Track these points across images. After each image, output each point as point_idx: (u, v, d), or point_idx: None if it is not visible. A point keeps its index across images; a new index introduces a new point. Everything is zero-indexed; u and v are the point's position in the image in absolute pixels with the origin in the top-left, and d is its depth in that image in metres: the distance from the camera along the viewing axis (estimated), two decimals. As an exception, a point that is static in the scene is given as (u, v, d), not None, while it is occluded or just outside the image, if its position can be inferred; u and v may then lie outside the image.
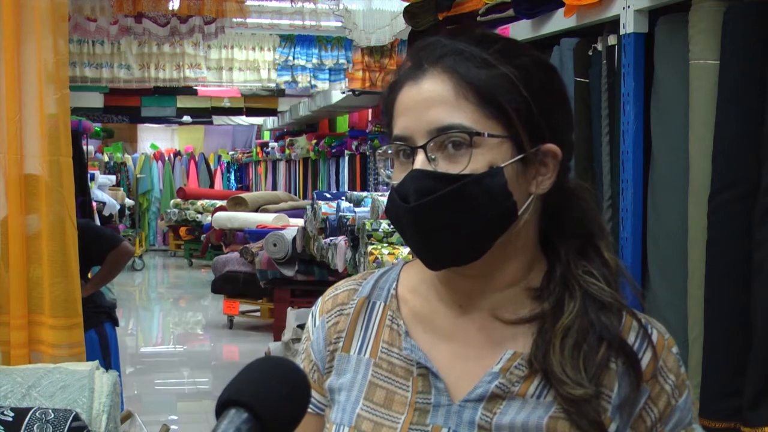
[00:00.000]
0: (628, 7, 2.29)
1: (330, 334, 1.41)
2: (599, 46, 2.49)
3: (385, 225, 5.41)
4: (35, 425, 2.48)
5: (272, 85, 11.99)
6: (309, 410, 1.35)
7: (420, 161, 1.23)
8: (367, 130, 11.15)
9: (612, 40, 2.43)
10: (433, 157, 1.22)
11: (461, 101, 1.23)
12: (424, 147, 1.23)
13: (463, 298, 1.33)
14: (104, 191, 12.60)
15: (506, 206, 1.23)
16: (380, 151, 1.31)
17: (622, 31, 2.33)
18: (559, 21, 2.60)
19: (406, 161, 1.26)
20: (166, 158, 21.21)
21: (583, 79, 2.54)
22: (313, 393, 1.41)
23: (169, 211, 17.83)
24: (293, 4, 8.62)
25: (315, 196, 7.20)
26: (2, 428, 2.46)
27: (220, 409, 1.04)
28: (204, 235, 14.41)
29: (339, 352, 1.39)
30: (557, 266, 1.31)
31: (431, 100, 1.24)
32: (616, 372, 1.26)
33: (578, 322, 1.26)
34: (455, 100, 1.23)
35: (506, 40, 1.32)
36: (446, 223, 1.22)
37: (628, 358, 1.26)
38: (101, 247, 4.99)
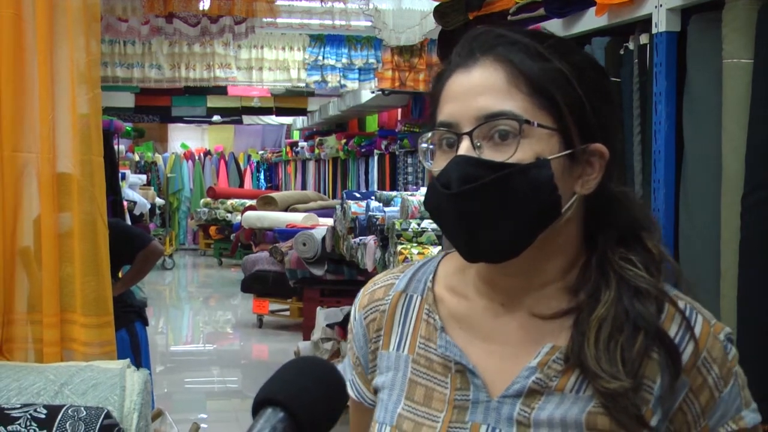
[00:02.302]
0: (660, 5, 2.28)
1: (369, 332, 1.41)
2: (631, 45, 2.48)
3: (414, 224, 5.41)
4: (68, 423, 2.50)
5: (302, 84, 11.99)
6: (367, 405, 1.41)
7: (465, 147, 1.21)
8: (396, 130, 11.15)
9: (644, 39, 2.41)
10: (478, 144, 1.21)
11: (512, 90, 1.21)
12: (470, 133, 1.21)
13: (504, 296, 1.31)
14: (135, 190, 12.69)
15: (550, 200, 1.21)
16: (422, 138, 1.29)
17: (654, 30, 2.31)
18: (590, 20, 2.58)
19: (448, 150, 1.24)
20: (196, 158, 21.32)
21: (614, 79, 2.52)
22: (363, 387, 1.43)
23: (199, 210, 17.93)
24: (323, 3, 8.62)
25: (344, 195, 7.21)
26: (36, 425, 2.48)
27: (257, 408, 1.04)
28: (234, 235, 14.47)
29: (380, 350, 1.40)
30: (594, 256, 1.28)
31: (481, 88, 1.22)
32: (658, 362, 1.22)
33: (613, 311, 1.23)
34: (506, 89, 1.21)
35: (559, 37, 1.31)
36: (488, 213, 1.20)
37: (668, 350, 1.22)
38: (131, 247, 5.03)
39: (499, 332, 1.31)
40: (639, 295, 1.24)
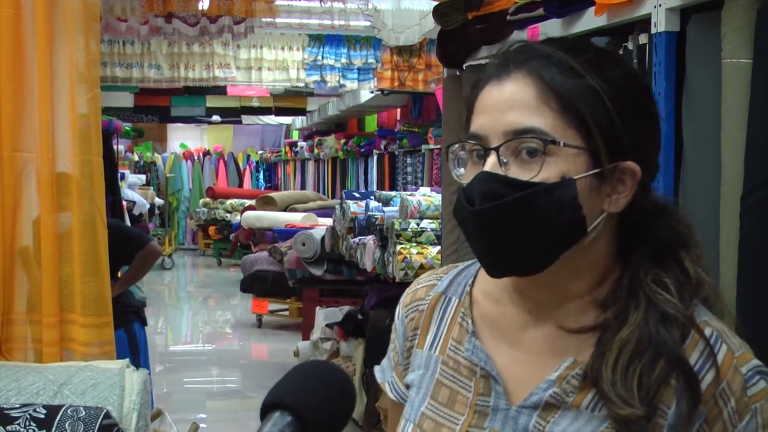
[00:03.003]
0: (660, 5, 2.28)
1: (408, 330, 1.43)
2: (630, 45, 2.48)
3: (413, 224, 5.41)
4: (67, 422, 2.50)
5: (301, 84, 11.99)
6: (393, 396, 1.43)
7: (491, 164, 1.20)
8: (395, 130, 11.15)
9: (643, 38, 2.41)
10: (505, 160, 1.20)
11: (542, 106, 1.20)
12: (497, 149, 1.20)
13: (533, 305, 1.31)
14: (134, 190, 12.69)
15: (574, 219, 1.20)
16: (453, 149, 1.28)
17: (653, 30, 2.31)
18: (590, 20, 2.58)
19: (478, 162, 1.24)
20: (196, 158, 21.31)
21: (613, 79, 2.52)
22: (402, 387, 1.44)
23: (198, 210, 17.93)
24: (322, 3, 8.62)
25: (344, 195, 7.22)
26: (35, 425, 2.48)
27: (265, 411, 1.04)
28: (233, 235, 14.47)
29: (415, 348, 1.41)
30: (626, 274, 1.26)
31: (512, 102, 1.21)
32: (675, 389, 1.20)
33: (637, 334, 1.21)
34: (536, 105, 1.20)
35: (601, 50, 1.29)
36: (510, 231, 1.20)
37: (687, 379, 1.19)
38: (130, 247, 5.03)
39: (526, 340, 1.31)
40: (666, 321, 1.21)
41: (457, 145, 1.28)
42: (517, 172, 1.19)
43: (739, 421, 1.20)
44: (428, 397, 1.34)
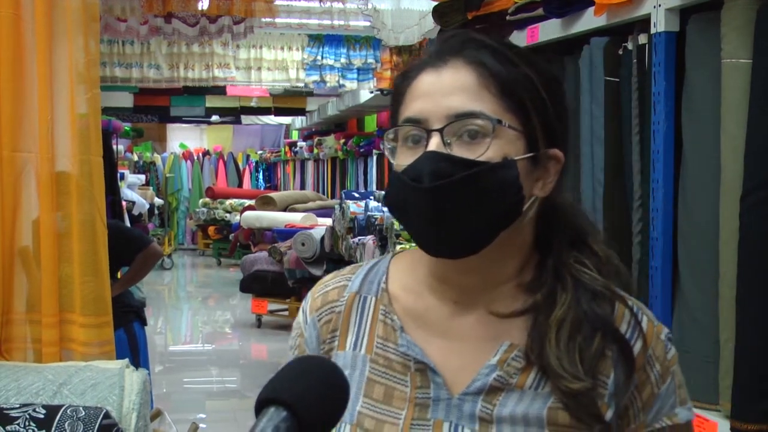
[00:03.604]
0: (659, 5, 2.28)
1: (323, 333, 1.41)
2: (630, 45, 2.48)
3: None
4: (66, 422, 2.50)
5: (300, 84, 11.99)
6: None
7: (435, 144, 1.23)
8: (395, 130, 11.13)
9: (643, 39, 2.41)
10: (448, 141, 1.23)
11: (483, 91, 1.24)
12: (441, 130, 1.23)
13: (458, 294, 1.34)
14: (134, 190, 12.69)
15: (515, 199, 1.25)
16: (389, 134, 1.31)
17: (652, 30, 2.31)
18: (589, 20, 2.58)
19: (414, 146, 1.27)
20: (195, 158, 21.31)
21: (613, 79, 2.52)
22: None
23: (197, 210, 17.92)
24: (322, 3, 8.63)
25: (343, 195, 7.21)
26: (35, 425, 2.48)
27: (259, 407, 1.04)
28: (232, 235, 14.46)
29: (335, 350, 1.40)
30: (549, 258, 1.32)
31: (452, 87, 1.25)
32: (611, 359, 1.28)
33: (571, 313, 1.27)
34: (477, 90, 1.24)
35: (524, 48, 1.35)
36: (457, 209, 1.22)
37: (622, 348, 1.28)
38: (130, 248, 5.02)
39: (456, 330, 1.33)
40: (596, 298, 1.29)
41: (391, 132, 1.30)
42: (461, 153, 1.23)
43: (662, 384, 1.31)
44: (361, 395, 1.34)
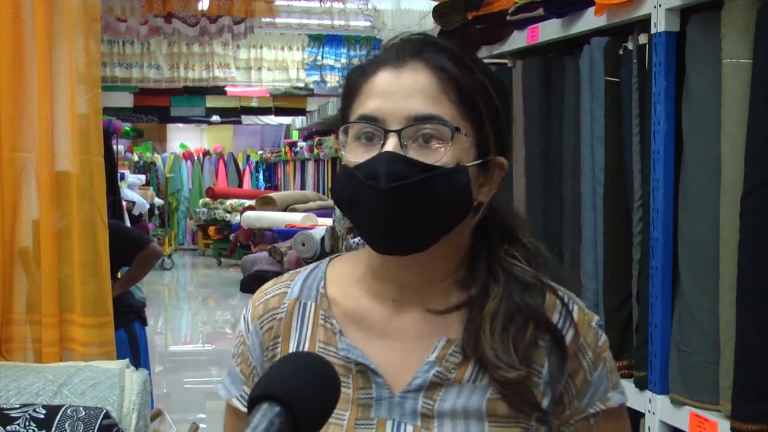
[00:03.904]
0: (660, 5, 2.28)
1: (265, 340, 1.43)
2: (630, 46, 2.47)
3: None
4: (66, 423, 2.50)
5: (301, 84, 12.01)
6: (245, 410, 1.41)
7: (392, 145, 1.25)
8: (395, 130, 11.14)
9: (643, 39, 2.41)
10: (405, 143, 1.25)
11: (442, 96, 1.27)
12: (399, 131, 1.25)
13: (397, 292, 1.36)
14: (134, 191, 12.69)
15: (466, 203, 1.29)
16: (343, 128, 1.33)
17: (653, 30, 2.31)
18: (589, 20, 2.58)
19: (367, 143, 1.28)
20: (195, 158, 21.31)
21: (613, 79, 2.52)
22: None
23: (198, 210, 17.92)
24: (322, 3, 8.63)
25: (343, 195, 7.19)
26: (35, 425, 2.48)
27: (252, 404, 1.04)
28: (233, 235, 14.48)
29: (278, 357, 1.42)
30: (482, 253, 1.37)
31: (413, 90, 1.27)
32: (544, 349, 1.32)
33: (504, 305, 1.31)
34: (437, 94, 1.27)
35: (477, 56, 1.39)
36: (410, 210, 1.25)
37: (554, 337, 1.32)
38: (130, 248, 5.03)
39: (394, 328, 1.36)
40: (527, 289, 1.34)
41: (346, 126, 1.32)
42: (415, 155, 1.25)
43: (594, 370, 1.36)
44: None
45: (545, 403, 1.31)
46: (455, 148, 1.26)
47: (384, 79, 1.29)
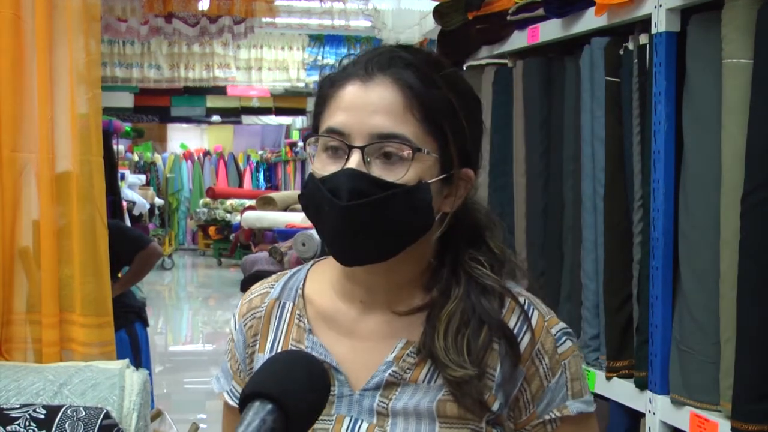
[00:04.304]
0: (660, 5, 2.28)
1: (247, 337, 1.51)
2: (630, 46, 2.47)
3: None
4: (66, 423, 2.49)
5: (301, 84, 12.01)
6: (235, 404, 1.50)
7: (355, 161, 1.28)
8: (395, 130, 11.14)
9: (643, 39, 2.41)
10: (368, 160, 1.28)
11: (407, 114, 1.29)
12: (362, 148, 1.28)
13: (365, 293, 1.40)
14: (134, 191, 12.69)
15: (427, 219, 1.32)
16: (311, 141, 1.37)
17: (653, 30, 2.31)
18: (590, 20, 2.58)
19: (333, 155, 1.32)
20: (196, 158, 21.32)
21: (614, 79, 2.52)
22: (240, 390, 1.50)
23: (198, 210, 17.93)
24: (322, 3, 8.63)
25: (344, 195, 7.19)
26: (35, 425, 2.48)
27: (244, 402, 1.05)
28: (233, 235, 14.48)
29: (256, 353, 1.49)
30: (447, 256, 1.40)
31: (378, 106, 1.29)
32: (498, 352, 1.34)
33: (461, 306, 1.35)
34: (402, 112, 1.29)
35: (451, 67, 1.40)
36: (370, 227, 1.28)
37: (508, 341, 1.34)
38: (130, 248, 5.03)
39: (361, 329, 1.41)
40: (485, 292, 1.36)
41: (313, 138, 1.36)
42: (379, 172, 1.28)
43: (552, 377, 1.37)
44: None
45: (496, 405, 1.33)
46: (418, 165, 1.29)
47: (351, 93, 1.32)
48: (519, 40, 3.00)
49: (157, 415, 4.05)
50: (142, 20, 8.02)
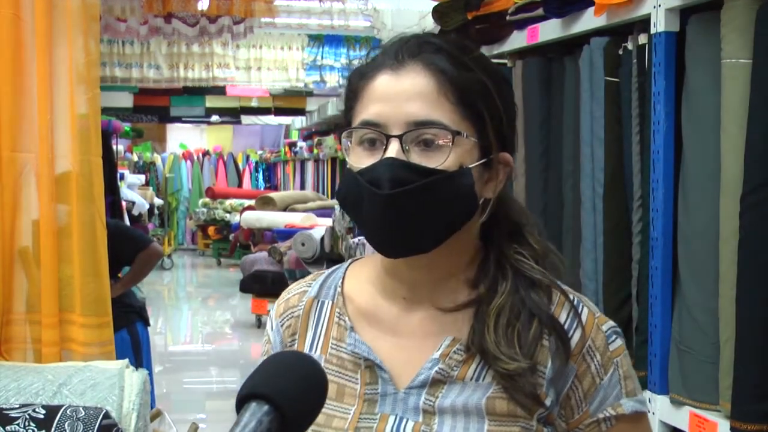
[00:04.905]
0: (659, 5, 2.28)
1: (285, 337, 1.48)
2: (630, 46, 2.48)
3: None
4: (66, 423, 2.49)
5: (300, 84, 12.01)
6: None
7: (394, 150, 1.26)
8: (395, 130, 11.14)
9: (642, 39, 2.41)
10: (407, 148, 1.26)
11: (441, 99, 1.27)
12: (400, 137, 1.26)
13: (408, 289, 1.38)
14: (134, 191, 12.69)
15: (470, 205, 1.31)
16: (346, 134, 1.35)
17: (652, 30, 2.31)
18: (589, 20, 2.58)
19: (370, 148, 1.30)
20: (195, 158, 21.31)
21: (613, 79, 2.52)
22: None
23: (197, 210, 17.92)
24: (322, 3, 8.63)
25: (343, 195, 7.19)
26: (34, 425, 2.48)
27: (241, 403, 1.05)
28: (232, 235, 14.47)
29: None
30: (492, 251, 1.38)
31: (412, 93, 1.28)
32: (548, 348, 1.32)
33: (510, 300, 1.32)
34: (436, 97, 1.27)
35: (480, 52, 1.38)
36: (413, 214, 1.26)
37: (559, 335, 1.32)
38: (131, 248, 5.03)
39: (404, 326, 1.38)
40: (533, 286, 1.34)
41: (348, 131, 1.34)
42: (419, 160, 1.26)
43: (605, 374, 1.34)
44: None
45: (548, 402, 1.30)
46: (457, 150, 1.27)
47: (383, 83, 1.30)
48: (518, 40, 3.00)
49: (157, 415, 4.04)
50: (142, 20, 8.02)
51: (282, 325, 1.49)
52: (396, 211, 1.26)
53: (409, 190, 1.24)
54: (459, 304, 1.35)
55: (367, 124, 1.30)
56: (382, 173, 1.26)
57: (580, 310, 1.35)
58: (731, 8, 2.06)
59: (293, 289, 1.52)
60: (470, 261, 1.38)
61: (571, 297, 1.36)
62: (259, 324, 10.55)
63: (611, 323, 1.38)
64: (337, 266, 1.51)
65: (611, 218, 2.51)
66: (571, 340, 1.32)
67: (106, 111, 11.60)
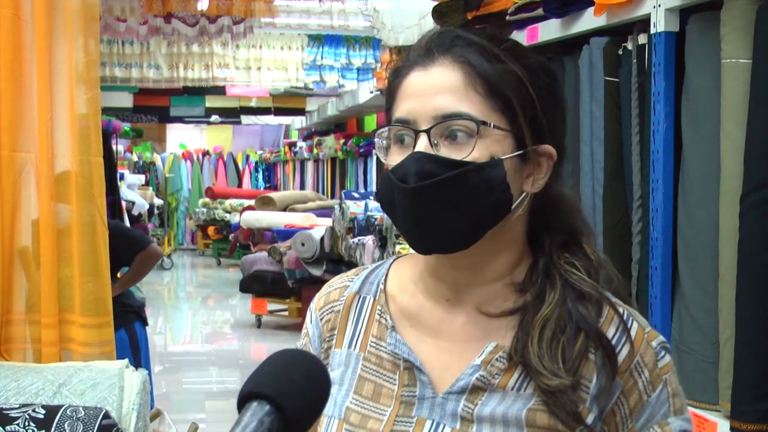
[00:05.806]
0: (659, 5, 2.28)
1: (324, 332, 1.45)
2: (629, 45, 2.48)
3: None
4: (66, 423, 2.50)
5: (300, 84, 12.00)
6: None
7: (422, 144, 1.25)
8: (395, 130, 11.14)
9: (642, 39, 2.41)
10: (435, 142, 1.25)
11: (470, 91, 1.25)
12: (428, 131, 1.25)
13: (451, 291, 1.35)
14: (133, 191, 12.69)
15: (502, 198, 1.26)
16: (380, 134, 1.33)
17: (652, 30, 2.31)
18: (589, 20, 2.58)
19: (401, 146, 1.29)
20: (195, 158, 21.31)
21: (613, 79, 2.52)
22: None
23: (197, 210, 17.92)
24: (321, 3, 8.63)
25: (343, 195, 7.22)
26: (34, 425, 2.48)
27: (242, 402, 1.04)
28: (232, 235, 14.48)
29: (333, 348, 1.43)
30: (541, 258, 1.33)
31: (440, 87, 1.26)
32: (594, 363, 1.27)
33: (557, 312, 1.28)
34: (464, 90, 1.26)
35: (515, 41, 1.35)
36: (442, 208, 1.24)
37: (606, 351, 1.27)
38: (130, 249, 5.03)
39: (446, 329, 1.35)
40: (582, 299, 1.29)
41: (385, 130, 1.32)
42: (448, 152, 1.24)
43: (652, 391, 1.29)
44: (351, 392, 1.36)
45: (590, 419, 1.26)
46: (486, 141, 1.24)
47: (414, 80, 1.29)
48: (518, 39, 3.00)
49: (157, 414, 4.04)
50: (142, 20, 8.02)
51: (321, 319, 1.46)
52: (423, 204, 1.24)
53: (435, 182, 1.22)
54: (504, 311, 1.31)
55: (398, 122, 1.29)
56: (408, 168, 1.24)
57: (629, 325, 1.30)
58: (731, 8, 2.06)
59: (335, 283, 1.50)
60: (516, 265, 1.34)
61: (621, 311, 1.31)
62: (259, 324, 10.55)
63: (661, 338, 1.33)
64: (380, 262, 1.49)
65: (611, 218, 2.51)
66: (619, 355, 1.28)
67: (106, 111, 11.61)
